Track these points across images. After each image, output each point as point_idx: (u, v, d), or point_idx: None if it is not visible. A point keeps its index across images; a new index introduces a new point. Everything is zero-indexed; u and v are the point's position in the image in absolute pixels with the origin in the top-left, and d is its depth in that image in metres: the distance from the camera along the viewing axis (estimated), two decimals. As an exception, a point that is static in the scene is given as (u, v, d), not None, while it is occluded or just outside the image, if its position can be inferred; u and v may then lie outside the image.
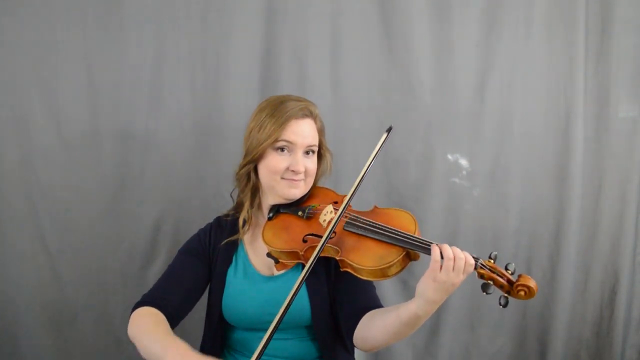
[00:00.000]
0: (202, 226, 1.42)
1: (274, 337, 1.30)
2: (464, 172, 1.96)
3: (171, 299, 1.26)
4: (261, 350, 1.03)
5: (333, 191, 1.38)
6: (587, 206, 2.00)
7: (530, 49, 1.93)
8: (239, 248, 1.36)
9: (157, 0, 1.75)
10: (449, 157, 1.95)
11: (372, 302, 1.24)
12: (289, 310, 1.27)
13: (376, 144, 1.24)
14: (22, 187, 1.75)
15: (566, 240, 1.99)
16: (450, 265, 1.02)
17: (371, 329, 1.18)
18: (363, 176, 1.20)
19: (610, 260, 2.02)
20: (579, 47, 1.93)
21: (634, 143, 1.98)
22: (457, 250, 1.04)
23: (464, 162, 1.96)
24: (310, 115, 1.31)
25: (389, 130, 1.27)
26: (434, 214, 1.94)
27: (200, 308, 1.38)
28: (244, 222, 1.34)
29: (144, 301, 1.25)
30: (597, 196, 2.00)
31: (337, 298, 1.28)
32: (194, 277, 1.32)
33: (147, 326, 1.17)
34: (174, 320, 1.25)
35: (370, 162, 1.21)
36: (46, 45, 1.72)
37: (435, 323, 1.99)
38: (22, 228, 1.76)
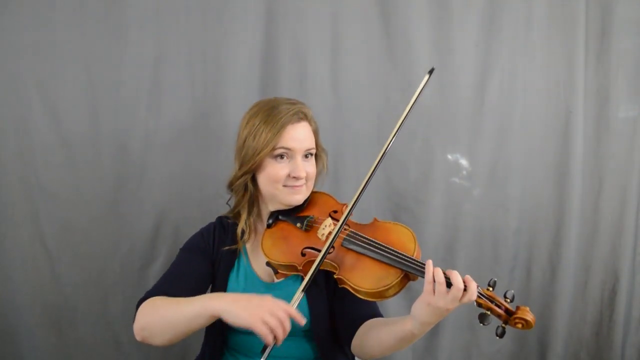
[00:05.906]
0: (203, 226, 1.41)
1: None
2: (464, 172, 1.96)
3: (174, 295, 1.25)
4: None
5: (333, 198, 1.36)
6: (587, 206, 2.00)
7: (530, 49, 1.93)
8: (241, 253, 1.36)
9: (157, 0, 1.75)
10: (449, 157, 1.95)
11: (370, 312, 1.24)
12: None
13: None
14: (22, 187, 1.74)
15: (566, 240, 1.98)
16: (443, 289, 1.00)
17: (367, 339, 1.18)
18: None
19: (610, 260, 2.02)
20: (579, 47, 1.93)
21: (634, 143, 1.98)
22: (457, 279, 1.01)
23: (464, 162, 1.95)
24: (305, 118, 1.30)
25: (431, 71, 1.23)
26: (433, 213, 1.94)
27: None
28: (243, 232, 1.33)
29: (147, 297, 1.24)
30: (597, 196, 2.00)
31: (336, 307, 1.27)
32: (197, 275, 1.31)
33: (163, 302, 1.15)
34: None
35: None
36: (46, 45, 1.71)
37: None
38: (22, 228, 1.76)
